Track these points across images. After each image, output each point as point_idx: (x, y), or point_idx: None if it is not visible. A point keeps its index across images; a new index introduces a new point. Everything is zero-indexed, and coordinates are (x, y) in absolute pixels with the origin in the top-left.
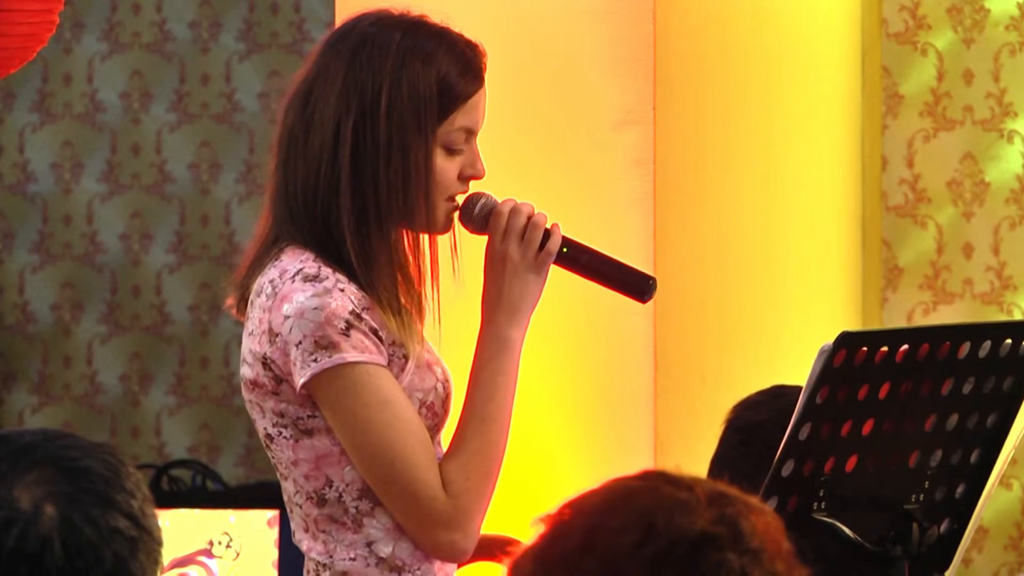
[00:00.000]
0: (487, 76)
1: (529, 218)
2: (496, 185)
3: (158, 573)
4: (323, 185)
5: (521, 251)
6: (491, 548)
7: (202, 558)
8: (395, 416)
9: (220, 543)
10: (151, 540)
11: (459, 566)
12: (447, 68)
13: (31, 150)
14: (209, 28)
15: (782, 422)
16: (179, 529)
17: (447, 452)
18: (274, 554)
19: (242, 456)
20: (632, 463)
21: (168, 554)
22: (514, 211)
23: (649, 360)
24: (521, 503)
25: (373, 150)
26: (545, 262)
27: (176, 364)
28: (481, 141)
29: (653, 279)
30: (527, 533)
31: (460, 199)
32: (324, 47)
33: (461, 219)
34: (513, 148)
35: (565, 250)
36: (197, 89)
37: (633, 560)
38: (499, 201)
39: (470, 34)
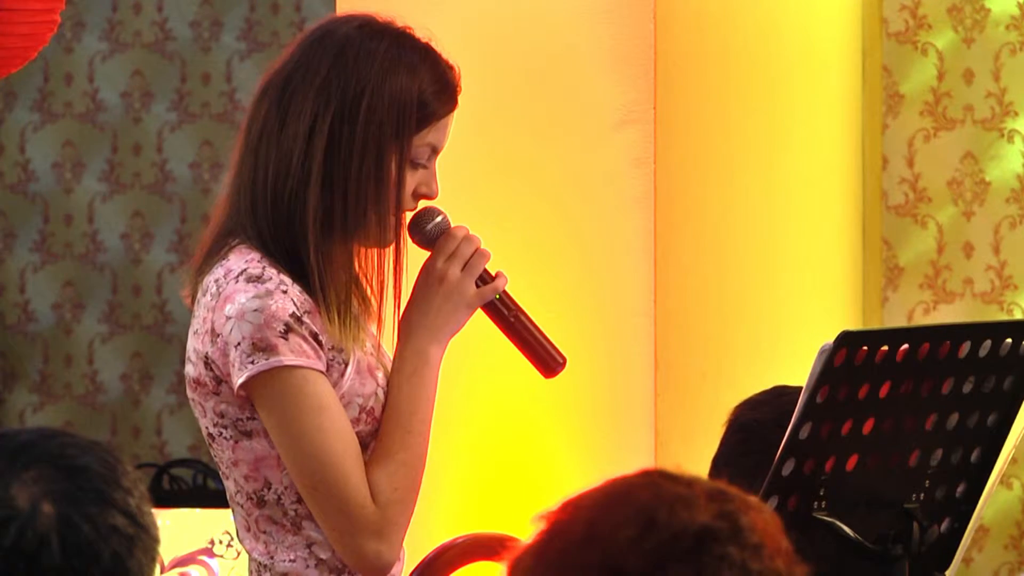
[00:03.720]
0: (487, 77)
1: (477, 250)
2: (496, 185)
3: (156, 571)
4: (293, 178)
5: (460, 277)
6: (491, 546)
7: (203, 557)
8: (329, 423)
9: (221, 542)
10: (149, 538)
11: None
12: (428, 84)
13: (32, 149)
14: (210, 27)
15: (783, 422)
16: (180, 528)
17: (371, 462)
18: None
19: None
20: (632, 463)
21: (169, 553)
22: (467, 239)
23: (649, 360)
24: (522, 502)
25: (347, 150)
26: (480, 298)
27: (177, 363)
28: (481, 140)
29: (564, 360)
30: (528, 532)
31: (408, 215)
32: (307, 41)
33: (409, 229)
34: (513, 147)
35: (498, 297)
36: (198, 88)
37: (635, 553)
38: (452, 225)
39: (470, 34)
